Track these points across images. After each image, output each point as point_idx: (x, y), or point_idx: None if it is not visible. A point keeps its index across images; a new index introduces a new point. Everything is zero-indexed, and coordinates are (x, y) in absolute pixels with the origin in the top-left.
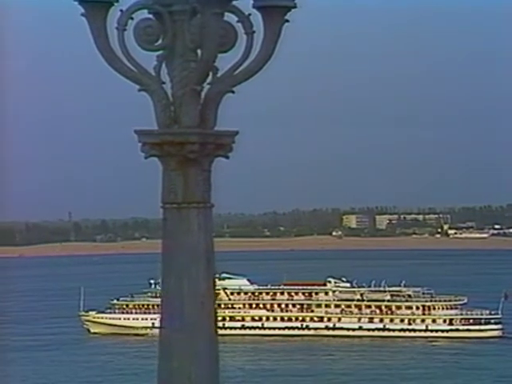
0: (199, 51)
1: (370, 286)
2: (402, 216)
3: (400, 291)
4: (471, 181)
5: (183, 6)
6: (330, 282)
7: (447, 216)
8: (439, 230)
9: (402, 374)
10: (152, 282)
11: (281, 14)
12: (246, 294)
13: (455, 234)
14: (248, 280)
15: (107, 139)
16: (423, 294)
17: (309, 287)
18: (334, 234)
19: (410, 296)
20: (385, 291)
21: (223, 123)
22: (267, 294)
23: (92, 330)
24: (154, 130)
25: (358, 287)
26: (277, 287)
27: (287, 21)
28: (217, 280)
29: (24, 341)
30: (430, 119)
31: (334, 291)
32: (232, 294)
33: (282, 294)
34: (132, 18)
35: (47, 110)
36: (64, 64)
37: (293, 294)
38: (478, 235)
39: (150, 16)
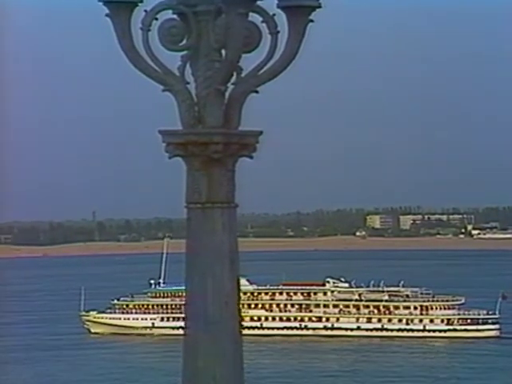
0: (223, 51)
1: (368, 286)
2: (425, 216)
3: (398, 291)
4: (495, 181)
5: (208, 7)
6: (328, 282)
7: (471, 216)
8: (463, 231)
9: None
10: (152, 282)
11: (305, 14)
12: (244, 294)
13: (479, 234)
14: (247, 280)
15: (131, 139)
16: (421, 294)
17: (307, 287)
18: (357, 234)
19: (408, 296)
20: (383, 291)
21: (247, 123)
22: (266, 294)
23: (93, 330)
24: (178, 130)
25: (357, 287)
26: (276, 287)
27: (311, 21)
28: None
29: (56, 340)
30: (454, 119)
31: (332, 291)
32: None
33: (281, 294)
34: (156, 19)
35: (72, 110)
36: (88, 64)
37: (291, 294)
38: (501, 235)
39: (175, 16)
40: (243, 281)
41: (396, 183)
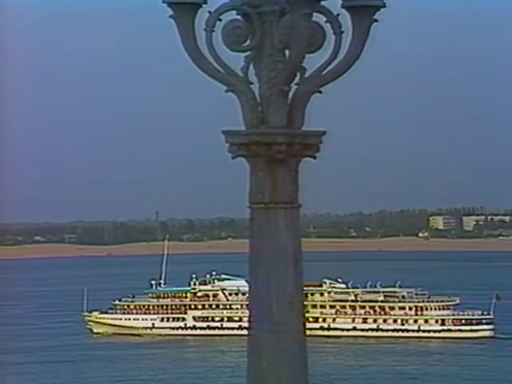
0: (287, 52)
1: (365, 287)
2: (488, 217)
3: (394, 292)
4: None
5: (272, 7)
6: (325, 283)
7: None
8: None
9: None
10: (153, 282)
11: (370, 14)
12: (243, 294)
13: None
14: (246, 281)
15: (195, 139)
16: (416, 294)
17: (304, 288)
18: (420, 235)
19: (403, 297)
20: (378, 292)
21: (311, 123)
22: None
23: (95, 330)
24: (241, 130)
25: (353, 288)
26: None
27: (376, 20)
28: (216, 281)
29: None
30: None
31: (329, 292)
32: (230, 294)
33: None
34: (220, 20)
35: (137, 109)
36: (152, 65)
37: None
38: None
39: (239, 17)
40: (242, 282)
41: (459, 183)
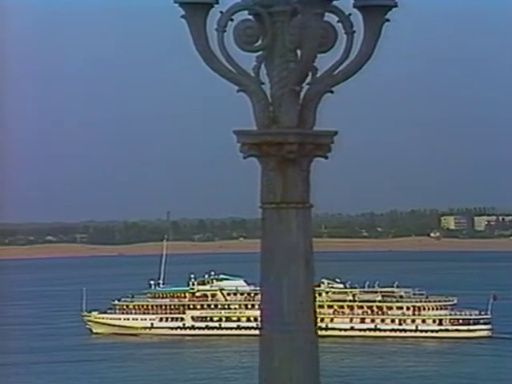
0: (299, 51)
1: (363, 287)
2: (500, 217)
3: (392, 292)
4: None
5: (284, 7)
6: (323, 283)
7: None
8: None
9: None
10: (152, 282)
11: (382, 14)
12: (242, 294)
13: None
14: (245, 281)
15: (206, 139)
16: (414, 294)
17: None
18: (432, 235)
19: (401, 297)
20: (376, 292)
21: (323, 123)
22: None
23: (94, 330)
24: (252, 130)
25: (351, 288)
26: None
27: (388, 20)
28: (214, 281)
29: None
30: None
31: (327, 292)
32: (229, 294)
33: None
34: (232, 20)
35: (149, 109)
36: (163, 65)
37: None
38: None
39: (250, 17)
40: (241, 282)
41: (471, 184)
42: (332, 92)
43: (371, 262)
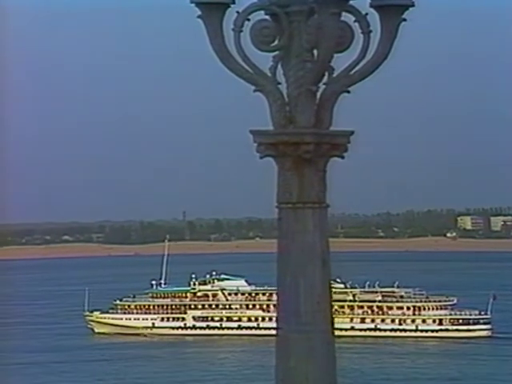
0: (315, 51)
1: (363, 287)
2: None
3: (392, 292)
4: None
5: (301, 7)
6: None
7: None
8: None
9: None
10: (153, 282)
11: (398, 13)
12: (243, 294)
13: None
14: (246, 281)
15: (222, 139)
16: (414, 294)
17: None
18: (448, 235)
19: (401, 297)
20: (377, 292)
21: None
22: (263, 294)
23: (96, 330)
24: (269, 130)
25: (352, 288)
26: (273, 288)
27: (405, 20)
28: (215, 281)
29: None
30: None
31: None
32: (230, 294)
33: None
34: (248, 20)
35: (165, 110)
36: (179, 64)
37: None
38: None
39: (267, 17)
40: (242, 282)
41: (487, 183)
42: (348, 92)
43: (387, 262)
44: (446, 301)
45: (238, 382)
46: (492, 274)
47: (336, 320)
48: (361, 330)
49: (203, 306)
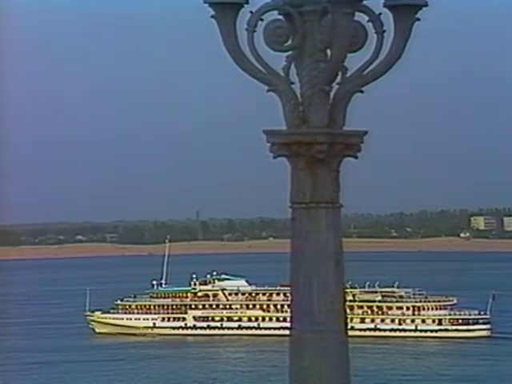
0: (328, 51)
1: (363, 287)
2: None
3: (392, 292)
4: None
5: (314, 7)
6: None
7: None
8: None
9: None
10: (154, 282)
11: (412, 13)
12: (243, 294)
13: None
14: (246, 281)
15: (236, 139)
16: (414, 294)
17: None
18: (461, 235)
19: (401, 297)
20: (376, 292)
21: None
22: (264, 294)
23: (97, 330)
24: (282, 130)
25: (352, 288)
26: (273, 288)
27: (418, 19)
28: (216, 281)
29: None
30: None
31: None
32: (230, 294)
33: (278, 294)
34: (262, 20)
35: (177, 110)
36: (192, 65)
37: (288, 294)
38: None
39: (280, 17)
40: (242, 282)
41: (500, 184)
42: (362, 92)
43: (400, 263)
44: (445, 301)
45: (240, 382)
46: (505, 275)
47: None
48: (360, 329)
49: (204, 306)
